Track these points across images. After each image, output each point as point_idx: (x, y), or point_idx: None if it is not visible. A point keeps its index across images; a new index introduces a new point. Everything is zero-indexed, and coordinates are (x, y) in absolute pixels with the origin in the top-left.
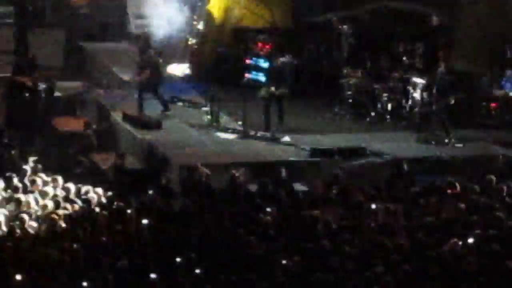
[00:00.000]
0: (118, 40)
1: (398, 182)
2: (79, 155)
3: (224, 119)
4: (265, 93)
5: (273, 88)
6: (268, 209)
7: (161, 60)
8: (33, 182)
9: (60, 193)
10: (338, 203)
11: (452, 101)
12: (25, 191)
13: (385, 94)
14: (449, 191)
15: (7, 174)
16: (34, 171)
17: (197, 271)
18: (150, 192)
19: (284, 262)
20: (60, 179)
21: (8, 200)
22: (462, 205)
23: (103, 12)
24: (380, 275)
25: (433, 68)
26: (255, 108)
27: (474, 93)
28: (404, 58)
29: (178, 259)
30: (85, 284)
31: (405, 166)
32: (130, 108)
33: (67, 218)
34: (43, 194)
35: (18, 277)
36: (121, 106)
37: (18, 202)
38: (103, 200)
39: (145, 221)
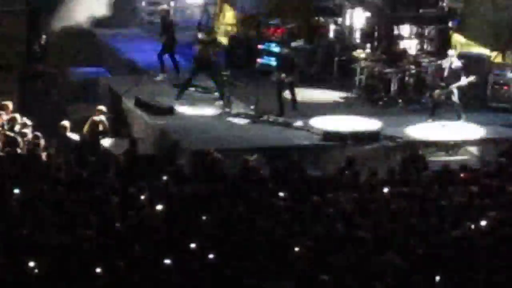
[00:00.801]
0: (130, 27)
1: (411, 165)
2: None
3: (236, 104)
4: (277, 78)
5: (283, 75)
6: (281, 194)
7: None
8: None
9: None
10: (351, 187)
11: (464, 84)
12: None
13: (397, 78)
14: (461, 174)
15: None
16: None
17: (210, 256)
18: (164, 177)
19: (296, 247)
20: None
21: None
22: (475, 189)
23: None
24: (393, 260)
25: (445, 52)
26: (267, 93)
27: (486, 77)
28: (416, 42)
29: (191, 245)
30: (98, 270)
31: (418, 150)
32: (142, 94)
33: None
34: None
35: (31, 263)
36: (133, 91)
37: None
38: None
39: (158, 207)
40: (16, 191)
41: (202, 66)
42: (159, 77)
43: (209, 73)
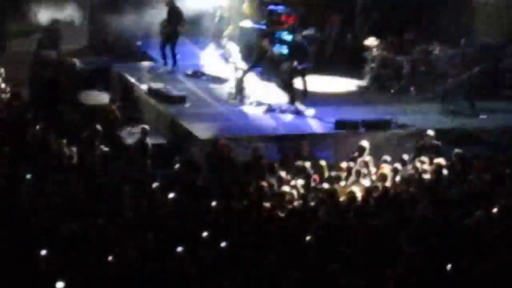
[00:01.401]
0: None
1: (423, 154)
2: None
3: (248, 92)
4: (288, 67)
5: (295, 63)
6: (292, 183)
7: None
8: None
9: None
10: (363, 176)
11: (475, 72)
12: None
13: (408, 66)
14: (474, 162)
15: None
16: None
17: (222, 245)
18: (176, 166)
19: (308, 236)
20: None
21: None
22: (487, 176)
23: None
24: (405, 248)
25: (457, 40)
26: (279, 81)
27: (498, 65)
28: (428, 30)
29: (202, 233)
30: (110, 258)
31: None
32: (154, 82)
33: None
34: None
35: (43, 252)
36: (145, 79)
37: None
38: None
39: (170, 195)
40: (28, 176)
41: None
42: (161, 69)
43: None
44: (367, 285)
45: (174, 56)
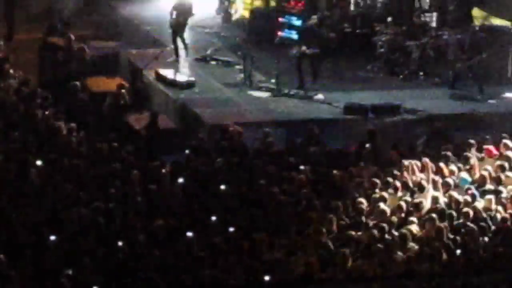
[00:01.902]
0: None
1: (432, 139)
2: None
3: (257, 77)
4: (297, 51)
5: (304, 47)
6: (302, 168)
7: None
8: None
9: None
10: (372, 161)
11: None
12: None
13: (418, 51)
14: (485, 147)
15: None
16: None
17: (231, 229)
18: (186, 151)
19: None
20: None
21: None
22: (496, 162)
23: None
24: (413, 233)
25: (466, 25)
26: (288, 66)
27: (506, 49)
28: (437, 15)
29: (212, 218)
30: (120, 243)
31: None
32: (163, 68)
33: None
34: None
35: (52, 237)
36: (154, 65)
37: None
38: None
39: (179, 180)
40: (39, 163)
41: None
42: (171, 59)
43: None
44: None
45: (185, 45)
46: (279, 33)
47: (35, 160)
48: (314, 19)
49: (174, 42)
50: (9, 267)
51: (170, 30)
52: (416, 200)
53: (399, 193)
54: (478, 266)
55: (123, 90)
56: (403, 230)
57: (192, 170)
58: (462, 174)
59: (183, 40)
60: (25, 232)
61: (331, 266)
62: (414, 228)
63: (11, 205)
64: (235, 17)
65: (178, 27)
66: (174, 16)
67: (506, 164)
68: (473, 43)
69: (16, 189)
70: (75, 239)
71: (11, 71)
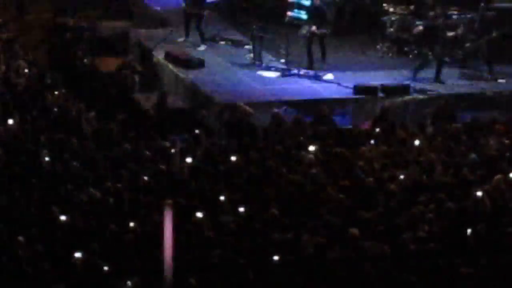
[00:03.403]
0: None
1: (441, 118)
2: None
3: (266, 57)
4: (307, 31)
5: (314, 27)
6: (311, 147)
7: None
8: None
9: None
10: (382, 140)
11: (494, 37)
12: None
13: (427, 31)
14: (496, 126)
15: None
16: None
17: (241, 209)
18: (195, 131)
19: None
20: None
21: None
22: (506, 141)
23: None
24: (424, 213)
25: (476, 4)
26: (297, 46)
27: None
28: None
29: (220, 198)
30: (132, 224)
31: (449, 103)
32: (172, 48)
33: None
34: None
35: (63, 217)
36: (164, 45)
37: None
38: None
39: (188, 160)
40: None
41: None
42: (202, 47)
43: None
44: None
45: (202, 33)
46: (288, 13)
47: (45, 141)
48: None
49: (186, 23)
50: (27, 248)
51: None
52: (426, 180)
53: (409, 173)
54: (487, 247)
55: (127, 71)
56: (413, 210)
57: (201, 149)
58: (471, 154)
59: (199, 29)
60: (36, 212)
61: (340, 246)
62: (423, 207)
63: (22, 185)
64: None
65: (191, 14)
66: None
67: None
68: (483, 22)
69: (27, 170)
70: (86, 219)
71: (21, 52)
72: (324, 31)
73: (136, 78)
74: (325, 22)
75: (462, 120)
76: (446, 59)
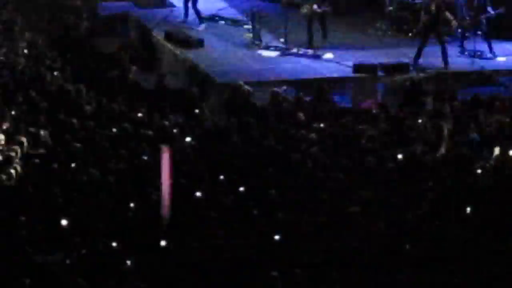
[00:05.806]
0: None
1: (440, 96)
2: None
3: (266, 36)
4: (308, 10)
5: (315, 6)
6: (311, 126)
7: None
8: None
9: None
10: (381, 119)
11: (494, 15)
12: None
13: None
14: (494, 103)
15: None
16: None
17: (241, 189)
18: (195, 110)
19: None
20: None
21: None
22: (506, 119)
23: None
24: (424, 191)
25: None
26: (297, 25)
27: None
28: None
29: (221, 177)
30: (132, 205)
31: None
32: (171, 27)
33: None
34: None
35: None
36: (163, 25)
37: None
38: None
39: (187, 139)
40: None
41: None
42: (201, 27)
43: None
44: (386, 227)
45: (198, 13)
46: None
47: (45, 122)
48: None
49: (185, 3)
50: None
51: None
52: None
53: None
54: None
55: (123, 52)
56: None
57: (202, 129)
58: (471, 133)
59: (195, 8)
60: (36, 194)
61: (340, 226)
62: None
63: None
64: None
65: None
66: None
67: None
68: (482, 0)
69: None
70: (86, 200)
71: (20, 32)
72: (325, 8)
73: (128, 58)
74: (325, 0)
75: (462, 98)
76: (447, 38)
